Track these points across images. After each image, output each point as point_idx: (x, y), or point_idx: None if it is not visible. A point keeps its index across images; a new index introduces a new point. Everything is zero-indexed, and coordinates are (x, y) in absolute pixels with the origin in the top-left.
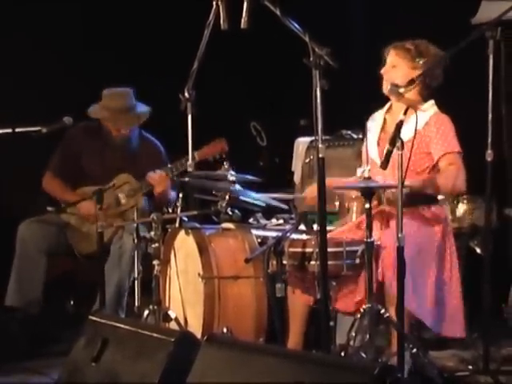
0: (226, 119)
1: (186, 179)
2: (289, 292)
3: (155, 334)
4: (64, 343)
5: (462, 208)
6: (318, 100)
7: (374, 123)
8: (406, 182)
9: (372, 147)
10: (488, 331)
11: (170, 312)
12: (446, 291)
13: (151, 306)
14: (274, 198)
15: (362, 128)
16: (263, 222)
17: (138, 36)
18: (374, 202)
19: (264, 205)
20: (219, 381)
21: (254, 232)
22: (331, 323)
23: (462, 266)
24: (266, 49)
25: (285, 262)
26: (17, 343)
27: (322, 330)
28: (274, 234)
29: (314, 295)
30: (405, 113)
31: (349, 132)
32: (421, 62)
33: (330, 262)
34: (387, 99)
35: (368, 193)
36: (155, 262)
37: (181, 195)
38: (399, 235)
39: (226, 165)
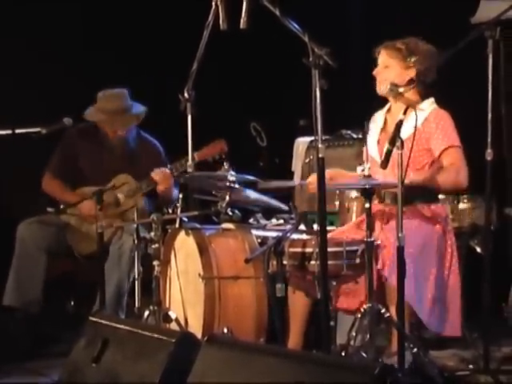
0: (226, 119)
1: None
2: (289, 292)
3: (156, 335)
4: (64, 344)
5: (462, 207)
6: (318, 100)
7: (375, 124)
8: (407, 181)
9: (372, 147)
10: (488, 330)
11: (170, 312)
12: (445, 290)
13: (151, 307)
14: (277, 192)
15: (361, 128)
16: (263, 222)
17: (138, 37)
18: (375, 201)
19: (264, 205)
20: (220, 381)
21: (254, 232)
22: (331, 323)
23: (462, 265)
24: (266, 49)
25: (285, 262)
26: (17, 344)
27: (323, 330)
28: (274, 234)
29: (315, 295)
30: (404, 112)
31: (348, 132)
32: (412, 61)
33: (330, 262)
34: (386, 99)
35: (368, 192)
36: (155, 263)
37: (181, 196)
38: (399, 235)
39: (226, 165)
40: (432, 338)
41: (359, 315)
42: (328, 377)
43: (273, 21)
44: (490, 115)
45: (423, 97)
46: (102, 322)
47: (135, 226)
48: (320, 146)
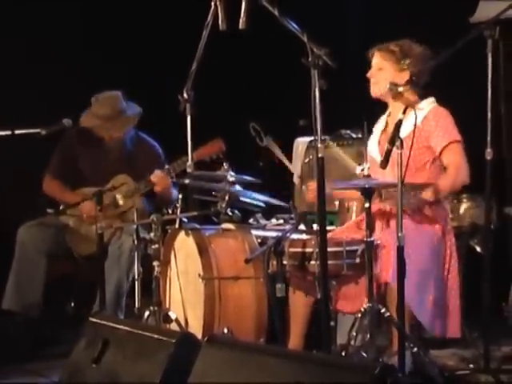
0: (226, 120)
1: (186, 181)
2: (290, 292)
3: (156, 335)
4: (64, 345)
5: (461, 207)
6: (317, 100)
7: (377, 126)
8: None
9: (373, 148)
10: (488, 330)
11: (170, 313)
12: (444, 291)
13: (151, 307)
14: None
15: (360, 128)
16: (263, 222)
17: (137, 37)
18: (376, 201)
19: (264, 205)
20: (220, 381)
21: (254, 232)
22: (332, 323)
23: (462, 264)
24: (265, 49)
25: (285, 262)
26: (17, 345)
27: (323, 330)
28: (273, 234)
29: (315, 295)
30: (404, 112)
31: (348, 132)
32: (406, 63)
33: (330, 262)
34: (380, 101)
35: (367, 192)
36: (155, 263)
37: (180, 196)
38: (399, 234)
39: (225, 165)
40: (432, 337)
41: (359, 315)
42: (328, 377)
43: (272, 21)
44: (489, 114)
45: (421, 97)
46: (102, 322)
47: (135, 226)
48: (319, 145)
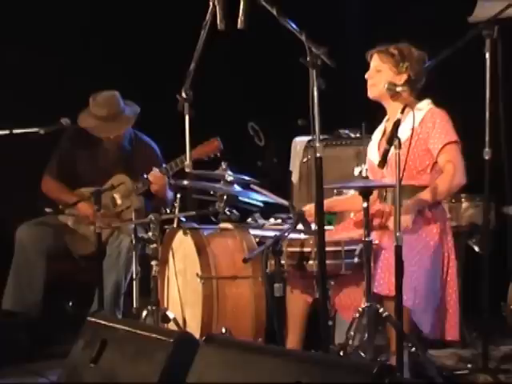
0: (224, 120)
1: (185, 182)
2: (287, 292)
3: (154, 335)
4: (63, 345)
5: (460, 206)
6: (315, 99)
7: (376, 133)
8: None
9: (373, 153)
10: (487, 330)
11: (168, 313)
12: (443, 293)
13: (150, 307)
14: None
15: (359, 127)
16: (261, 221)
17: (135, 37)
18: (376, 202)
19: (262, 205)
20: (218, 381)
21: (252, 232)
22: (330, 322)
23: (460, 264)
24: (263, 49)
25: (283, 261)
26: (16, 345)
27: (321, 330)
28: (272, 233)
29: (313, 295)
30: (402, 111)
31: (346, 131)
32: (405, 67)
33: (328, 262)
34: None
35: (365, 192)
36: (153, 263)
37: (179, 196)
38: (397, 234)
39: (223, 165)
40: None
41: (357, 315)
42: (326, 376)
43: (271, 20)
44: (487, 114)
45: (418, 98)
46: (101, 322)
47: (133, 226)
48: (318, 145)
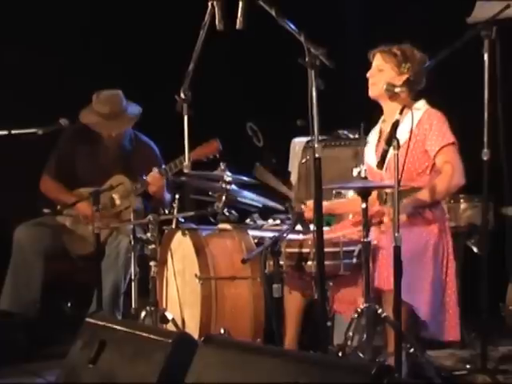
0: (223, 120)
1: (183, 178)
2: (285, 292)
3: (152, 336)
4: (62, 345)
5: (459, 207)
6: (314, 100)
7: (372, 135)
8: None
9: (370, 156)
10: (485, 330)
11: (167, 313)
12: (442, 293)
13: (148, 308)
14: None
15: (358, 128)
16: (260, 222)
17: (135, 37)
18: (376, 203)
19: (260, 205)
20: (217, 381)
21: (251, 232)
22: (328, 323)
23: (459, 265)
24: (262, 49)
25: (282, 262)
26: (14, 345)
27: (320, 330)
28: (270, 234)
29: (312, 295)
30: (400, 112)
31: (345, 132)
32: (407, 67)
33: (327, 262)
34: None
35: (364, 193)
36: (152, 264)
37: (177, 196)
38: (396, 234)
39: (222, 166)
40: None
41: (356, 315)
42: (325, 377)
43: (270, 21)
44: (486, 115)
45: (414, 98)
46: (99, 323)
47: (131, 226)
48: (316, 145)
